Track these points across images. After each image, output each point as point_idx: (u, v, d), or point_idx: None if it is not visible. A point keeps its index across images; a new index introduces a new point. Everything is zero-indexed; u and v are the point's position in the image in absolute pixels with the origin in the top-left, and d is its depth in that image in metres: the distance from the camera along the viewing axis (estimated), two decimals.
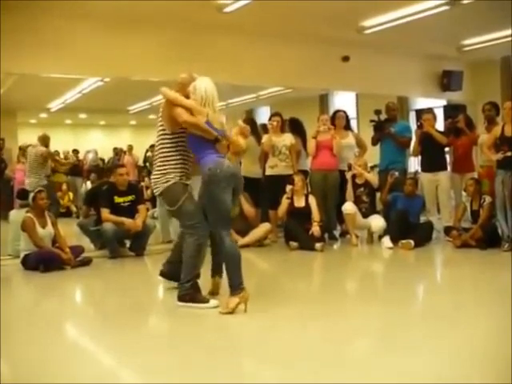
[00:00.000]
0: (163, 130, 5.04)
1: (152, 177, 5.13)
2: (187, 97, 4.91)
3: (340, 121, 9.05)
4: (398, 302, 5.09)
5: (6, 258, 7.57)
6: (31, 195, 7.28)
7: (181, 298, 4.90)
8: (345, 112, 9.32)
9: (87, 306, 5.80)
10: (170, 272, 5.39)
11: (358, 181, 8.38)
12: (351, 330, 4.26)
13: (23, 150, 10.35)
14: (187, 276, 4.91)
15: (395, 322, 4.41)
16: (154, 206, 10.64)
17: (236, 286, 4.67)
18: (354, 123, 11.30)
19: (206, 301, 4.83)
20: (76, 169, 15.32)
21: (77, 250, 7.25)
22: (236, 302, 4.61)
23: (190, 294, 4.88)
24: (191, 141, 4.92)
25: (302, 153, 9.12)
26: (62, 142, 17.67)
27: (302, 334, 4.26)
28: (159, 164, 5.02)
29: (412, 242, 7.74)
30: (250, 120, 9.07)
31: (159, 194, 5.03)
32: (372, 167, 9.63)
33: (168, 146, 5.00)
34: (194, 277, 4.93)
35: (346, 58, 10.33)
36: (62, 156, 15.94)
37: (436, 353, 3.58)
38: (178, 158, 4.97)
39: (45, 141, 10.00)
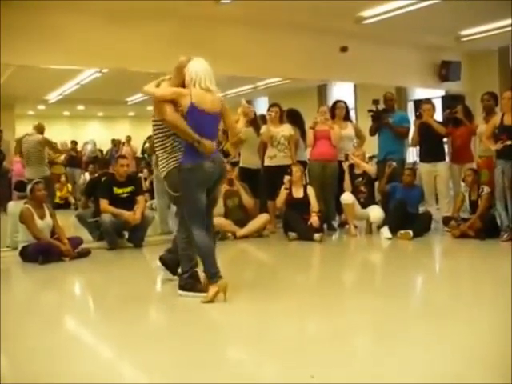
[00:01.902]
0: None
1: (159, 163, 5.17)
2: (183, 80, 4.90)
3: (340, 111, 9.06)
4: (397, 294, 5.08)
5: (5, 250, 7.56)
6: (29, 187, 7.27)
7: (181, 287, 4.99)
8: (345, 102, 9.33)
9: (86, 298, 5.81)
10: (169, 261, 5.46)
11: (356, 171, 8.39)
12: (350, 324, 4.25)
13: (19, 144, 10.38)
14: (184, 268, 5.03)
15: (394, 315, 4.39)
16: (153, 197, 10.64)
17: (212, 275, 4.74)
18: (352, 114, 11.28)
19: (204, 290, 4.84)
20: (74, 160, 15.32)
21: (75, 242, 7.25)
22: (214, 291, 4.67)
23: (190, 284, 4.95)
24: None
25: (300, 143, 9.12)
26: (60, 134, 17.61)
27: (300, 327, 4.26)
28: (159, 149, 5.08)
29: (411, 232, 7.74)
30: None
31: (164, 177, 5.13)
32: (370, 157, 9.62)
33: (164, 128, 5.02)
34: (190, 268, 4.99)
35: (344, 49, 10.29)
36: (59, 147, 15.94)
37: (436, 348, 3.56)
38: (175, 137, 5.00)
39: (40, 129, 10.09)
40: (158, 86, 5.02)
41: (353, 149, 8.86)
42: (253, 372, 3.37)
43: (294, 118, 9.29)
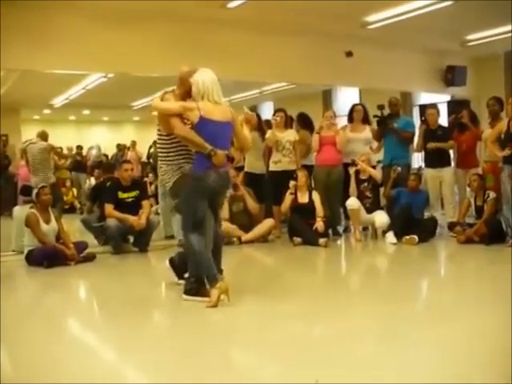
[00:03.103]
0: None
1: (163, 176, 5.26)
2: (189, 90, 4.90)
3: (358, 114, 8.99)
4: (402, 299, 5.06)
5: (10, 254, 7.58)
6: (35, 191, 7.28)
7: (186, 292, 4.98)
8: (363, 105, 9.29)
9: (90, 302, 5.82)
10: (178, 264, 5.46)
11: (362, 176, 8.37)
12: (354, 327, 4.24)
13: (24, 152, 10.46)
14: (191, 272, 5.02)
15: (398, 320, 4.36)
16: (158, 201, 10.65)
17: (211, 278, 4.74)
18: None
19: (209, 295, 4.83)
20: (79, 165, 15.36)
21: (80, 246, 7.25)
22: (216, 295, 4.64)
23: (195, 288, 4.93)
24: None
25: (311, 147, 9.09)
26: (66, 138, 17.70)
27: (305, 329, 4.25)
28: (164, 162, 5.14)
29: (416, 237, 7.72)
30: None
31: (169, 189, 5.20)
32: (378, 161, 9.59)
33: (168, 141, 5.07)
34: (197, 273, 4.96)
35: (349, 54, 10.30)
36: (65, 151, 16.01)
37: (437, 350, 3.55)
38: (179, 150, 5.03)
39: (44, 136, 10.13)
40: (162, 98, 5.03)
41: (370, 151, 8.81)
42: (257, 374, 3.37)
43: (305, 121, 9.35)
